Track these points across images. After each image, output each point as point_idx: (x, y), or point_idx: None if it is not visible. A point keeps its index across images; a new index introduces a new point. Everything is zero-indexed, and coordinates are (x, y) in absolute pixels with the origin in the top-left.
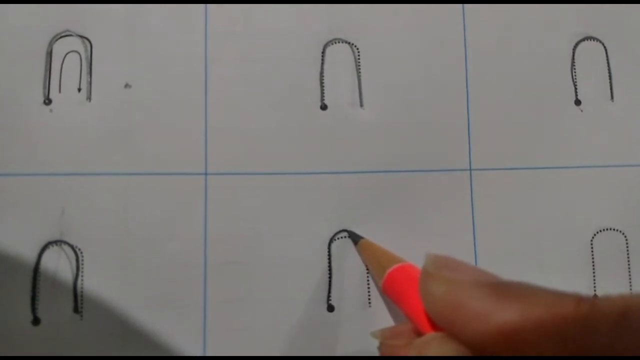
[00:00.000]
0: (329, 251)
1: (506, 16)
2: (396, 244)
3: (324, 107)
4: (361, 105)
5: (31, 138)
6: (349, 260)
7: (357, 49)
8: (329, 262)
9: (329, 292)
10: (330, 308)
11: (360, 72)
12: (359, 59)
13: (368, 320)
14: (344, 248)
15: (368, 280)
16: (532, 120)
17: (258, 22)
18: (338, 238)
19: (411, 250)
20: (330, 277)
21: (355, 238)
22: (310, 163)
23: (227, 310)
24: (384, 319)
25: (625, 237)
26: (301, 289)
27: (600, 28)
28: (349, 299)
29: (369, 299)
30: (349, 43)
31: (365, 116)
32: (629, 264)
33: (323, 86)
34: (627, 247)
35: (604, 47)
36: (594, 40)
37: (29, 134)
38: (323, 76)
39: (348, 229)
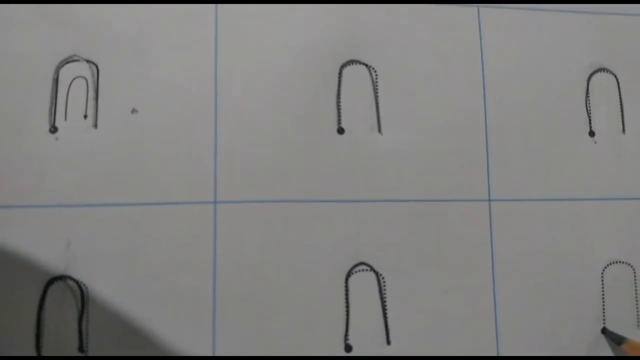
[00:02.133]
0: (346, 286)
1: (522, 45)
2: (416, 275)
3: (340, 131)
4: (379, 130)
5: (37, 168)
6: (366, 295)
7: (375, 71)
8: (346, 298)
9: (347, 330)
10: (348, 348)
11: (378, 96)
12: (376, 81)
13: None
14: (362, 282)
15: (386, 316)
16: (548, 150)
17: (271, 41)
18: (355, 272)
19: (432, 281)
20: (347, 315)
21: (618, 339)
22: (325, 190)
23: (236, 353)
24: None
25: (634, 270)
26: (316, 327)
27: (613, 60)
28: (368, 338)
29: (388, 337)
30: (367, 65)
31: (384, 142)
32: (636, 296)
33: (340, 109)
34: (635, 280)
35: (616, 78)
36: (606, 72)
37: (35, 164)
38: (340, 98)
39: (366, 262)
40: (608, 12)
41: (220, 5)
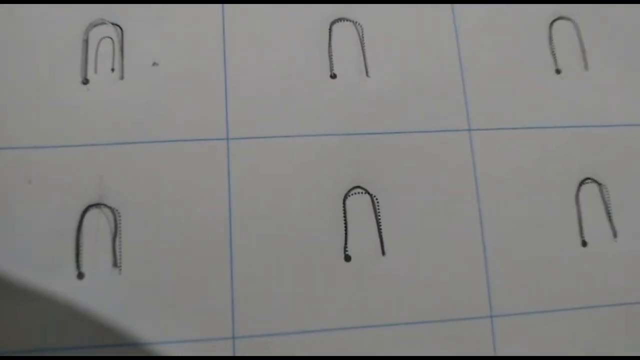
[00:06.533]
0: (344, 206)
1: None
2: (406, 196)
3: (333, 76)
4: (367, 74)
5: (72, 114)
6: (362, 214)
7: (361, 26)
8: (345, 217)
9: (346, 244)
10: (348, 258)
11: (364, 46)
12: (363, 35)
13: (383, 268)
14: (358, 203)
15: (380, 232)
16: (519, 84)
17: (273, 5)
18: (352, 194)
19: (415, 201)
20: (346, 231)
21: None
22: (324, 125)
23: (252, 262)
24: (399, 267)
25: (602, 186)
26: (320, 241)
27: (571, 9)
28: (365, 250)
29: (383, 249)
30: (353, 22)
31: (371, 84)
32: (608, 210)
33: (332, 59)
34: (603, 195)
35: (575, 24)
36: (567, 20)
37: (70, 110)
38: (331, 50)
39: (362, 186)
40: None
41: None
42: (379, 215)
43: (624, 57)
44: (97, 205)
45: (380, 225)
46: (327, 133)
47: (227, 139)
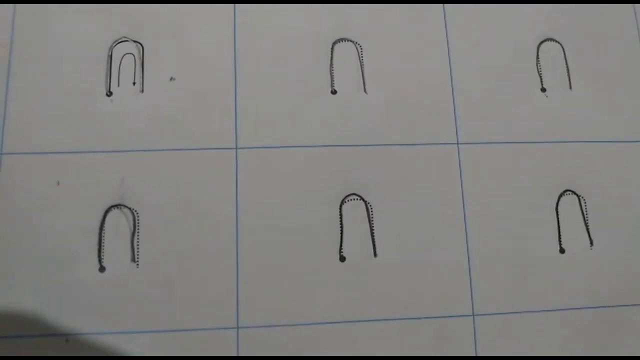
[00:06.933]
0: (340, 211)
1: (482, 15)
2: (396, 204)
3: (334, 92)
4: (365, 90)
5: (97, 123)
6: (356, 219)
7: (360, 46)
8: (341, 221)
9: (341, 245)
10: (342, 259)
11: (363, 65)
12: (362, 54)
13: (374, 268)
14: (353, 209)
15: (373, 235)
16: (506, 101)
17: (280, 26)
18: (348, 200)
19: (406, 207)
20: (341, 233)
21: None
22: (324, 137)
23: (256, 260)
24: (389, 268)
25: (582, 199)
26: (318, 242)
27: (559, 31)
28: (358, 251)
29: (375, 251)
30: (353, 42)
31: (368, 99)
32: (585, 219)
33: (333, 76)
34: (582, 206)
35: (562, 47)
36: (554, 41)
37: (95, 120)
38: (332, 68)
39: (357, 193)
40: None
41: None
42: (372, 220)
43: (606, 78)
44: (117, 206)
45: (373, 229)
46: (326, 144)
47: (236, 148)
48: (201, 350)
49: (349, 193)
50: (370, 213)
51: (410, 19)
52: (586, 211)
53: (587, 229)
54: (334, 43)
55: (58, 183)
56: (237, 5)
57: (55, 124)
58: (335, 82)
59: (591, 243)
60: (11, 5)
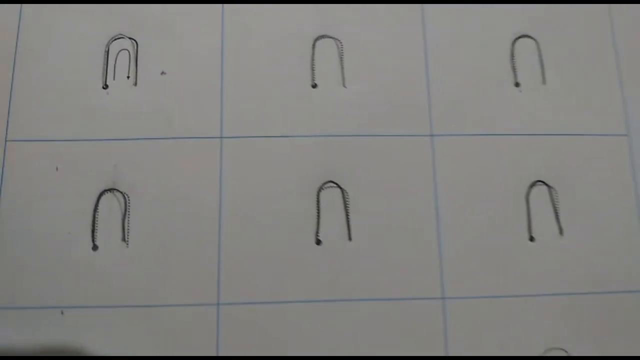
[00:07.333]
0: (318, 197)
1: (459, 14)
2: (372, 191)
3: (314, 85)
4: (344, 85)
5: (93, 114)
6: (333, 205)
7: (341, 43)
8: (318, 206)
9: (317, 229)
10: (318, 242)
11: (343, 61)
12: (342, 50)
13: (349, 251)
14: (330, 195)
15: (348, 220)
16: (480, 95)
17: (265, 24)
18: (325, 187)
19: (381, 195)
20: (318, 218)
21: None
22: (303, 128)
23: (237, 242)
24: (363, 252)
25: (552, 188)
26: (296, 227)
27: (534, 28)
28: (334, 235)
29: (350, 235)
30: (334, 39)
31: (347, 93)
32: (555, 209)
33: (314, 71)
34: (553, 197)
35: (537, 43)
36: (528, 38)
37: (92, 110)
38: (314, 63)
39: (334, 181)
40: None
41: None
42: (348, 207)
43: (578, 74)
44: (110, 190)
45: (349, 215)
46: (306, 134)
47: (221, 137)
48: (184, 324)
49: (326, 180)
50: (347, 199)
51: (389, 18)
52: (557, 201)
53: (557, 218)
54: (316, 40)
55: (57, 168)
56: (225, 5)
57: (56, 114)
58: (316, 76)
59: (561, 232)
60: (17, 5)
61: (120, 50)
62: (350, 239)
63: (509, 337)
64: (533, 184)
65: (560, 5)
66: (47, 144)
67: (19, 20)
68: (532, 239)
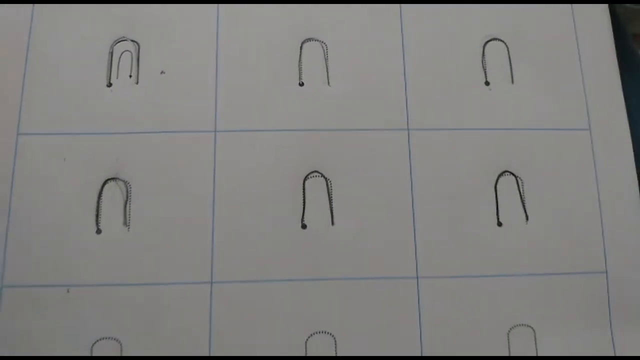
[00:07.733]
0: (304, 186)
1: (435, 16)
2: (352, 180)
3: (301, 84)
4: (328, 83)
5: (98, 110)
6: (317, 193)
7: (326, 45)
8: (304, 194)
9: (303, 215)
10: (304, 226)
11: (327, 61)
12: (326, 52)
13: (332, 235)
14: (315, 184)
15: (331, 206)
16: (453, 93)
17: (257, 27)
18: (311, 177)
19: (361, 183)
20: (304, 205)
21: None
22: (291, 123)
23: (230, 226)
24: (344, 235)
25: (519, 179)
26: (283, 212)
27: (504, 30)
28: (318, 220)
29: (332, 220)
30: (320, 41)
31: (331, 91)
32: (522, 198)
33: (301, 70)
34: (519, 186)
35: (506, 46)
36: (498, 41)
37: (97, 107)
38: (301, 63)
39: (318, 171)
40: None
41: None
42: (331, 194)
43: (543, 74)
44: (113, 179)
45: (332, 202)
46: (294, 129)
47: (215, 131)
48: (181, 300)
49: (311, 170)
50: (330, 188)
51: (370, 20)
52: (523, 190)
53: (524, 206)
54: (303, 42)
55: (64, 159)
56: (219, 5)
57: (64, 110)
58: (303, 75)
59: (527, 218)
60: (30, 5)
61: (124, 52)
62: (333, 223)
63: (479, 314)
64: (501, 174)
65: (525, 8)
66: (55, 137)
67: (31, 22)
68: (500, 224)
